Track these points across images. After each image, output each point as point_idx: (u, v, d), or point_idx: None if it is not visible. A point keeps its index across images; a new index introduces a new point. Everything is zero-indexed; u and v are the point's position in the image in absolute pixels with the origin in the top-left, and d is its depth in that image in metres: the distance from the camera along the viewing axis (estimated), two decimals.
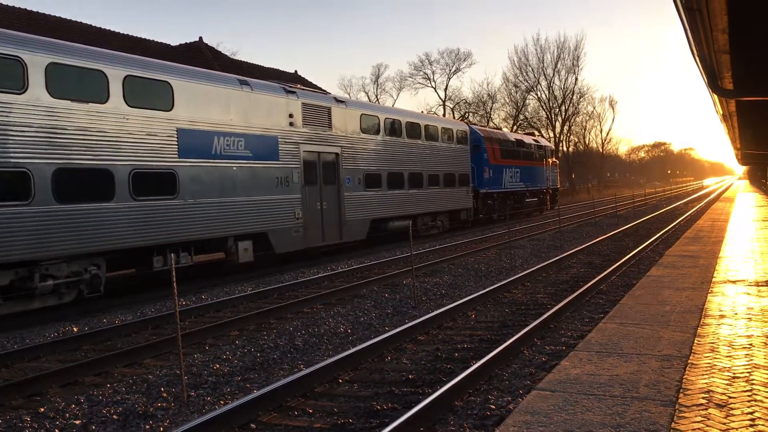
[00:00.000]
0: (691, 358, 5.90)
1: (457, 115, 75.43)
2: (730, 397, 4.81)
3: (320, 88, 39.86)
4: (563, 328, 9.69)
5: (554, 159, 44.87)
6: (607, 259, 17.57)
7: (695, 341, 6.49)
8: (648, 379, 5.34)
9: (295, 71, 42.65)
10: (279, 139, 17.74)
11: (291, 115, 18.19)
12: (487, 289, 12.65)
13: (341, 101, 21.01)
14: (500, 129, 43.90)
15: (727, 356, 5.92)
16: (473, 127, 33.28)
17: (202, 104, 15.49)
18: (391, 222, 23.34)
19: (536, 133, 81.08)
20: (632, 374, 5.48)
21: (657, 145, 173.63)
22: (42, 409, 6.95)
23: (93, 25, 30.04)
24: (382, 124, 22.96)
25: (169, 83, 14.74)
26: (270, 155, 17.39)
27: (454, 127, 29.22)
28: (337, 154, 20.15)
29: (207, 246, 15.98)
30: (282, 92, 18.26)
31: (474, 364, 7.39)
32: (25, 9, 26.90)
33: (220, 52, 39.44)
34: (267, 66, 39.79)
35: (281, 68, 41.85)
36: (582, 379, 5.42)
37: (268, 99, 17.50)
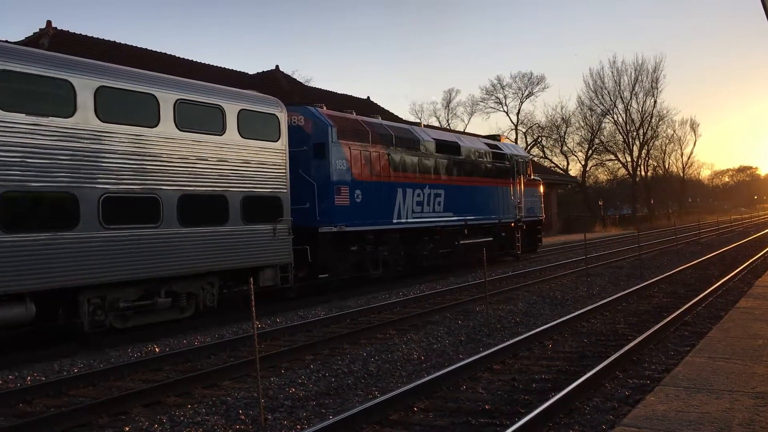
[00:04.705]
0: None
1: (530, 140, 74.37)
2: None
3: (392, 114, 40.36)
4: (647, 360, 9.31)
5: (533, 174, 29.29)
6: (691, 289, 16.87)
7: None
8: (742, 417, 5.07)
9: (368, 97, 43.34)
10: None
11: None
12: (564, 318, 12.34)
13: None
14: (406, 124, 25.80)
15: None
16: (310, 109, 17.99)
17: None
18: None
19: (614, 156, 79.16)
20: (724, 412, 5.21)
21: (742, 169, 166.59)
22: (127, 428, 7.15)
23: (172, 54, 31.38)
24: None
25: None
26: None
27: (232, 104, 13.99)
28: None
29: None
30: None
31: (553, 396, 7.20)
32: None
33: (295, 80, 40.53)
34: (340, 93, 40.59)
35: (354, 95, 42.51)
36: (669, 415, 5.19)
37: None
